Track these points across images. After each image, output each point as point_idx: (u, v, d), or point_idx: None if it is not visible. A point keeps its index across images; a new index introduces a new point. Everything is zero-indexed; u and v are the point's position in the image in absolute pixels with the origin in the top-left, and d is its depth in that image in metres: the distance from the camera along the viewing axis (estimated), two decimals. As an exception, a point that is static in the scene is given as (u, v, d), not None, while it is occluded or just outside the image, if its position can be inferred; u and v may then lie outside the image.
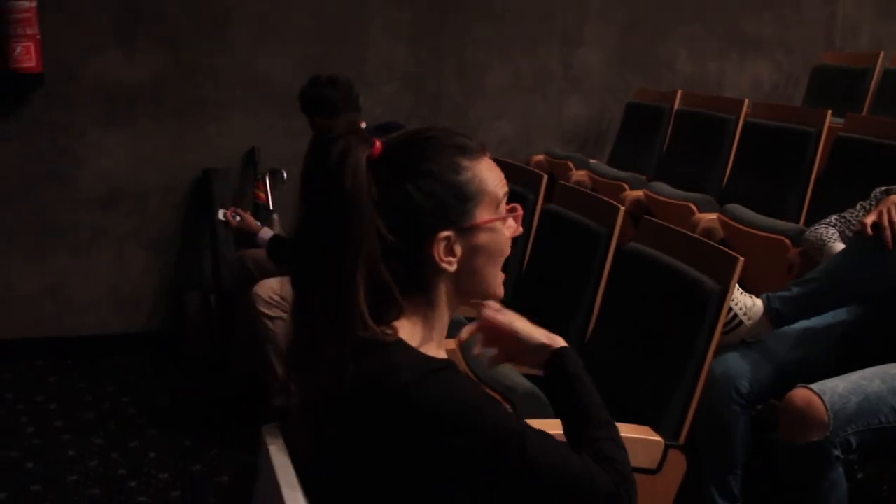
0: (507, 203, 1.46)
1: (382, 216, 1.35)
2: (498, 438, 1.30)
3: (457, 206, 1.39)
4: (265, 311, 3.50)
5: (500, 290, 1.47)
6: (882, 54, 4.98)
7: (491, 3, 5.08)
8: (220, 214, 4.01)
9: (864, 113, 4.66)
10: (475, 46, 5.08)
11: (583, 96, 5.32)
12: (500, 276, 1.47)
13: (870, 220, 2.53)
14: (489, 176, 1.42)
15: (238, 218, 3.94)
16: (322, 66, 4.16)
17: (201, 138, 4.72)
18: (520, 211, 1.47)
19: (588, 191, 3.59)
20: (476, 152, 1.42)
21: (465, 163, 1.40)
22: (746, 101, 4.26)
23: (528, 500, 1.34)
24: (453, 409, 1.29)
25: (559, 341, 1.58)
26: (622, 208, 2.81)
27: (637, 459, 2.15)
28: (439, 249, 1.38)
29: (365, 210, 1.32)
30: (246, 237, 3.97)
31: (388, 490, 1.31)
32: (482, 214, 1.41)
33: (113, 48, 4.55)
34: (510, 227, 1.45)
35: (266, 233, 3.86)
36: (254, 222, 3.94)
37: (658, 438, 2.18)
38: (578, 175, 4.38)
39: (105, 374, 4.45)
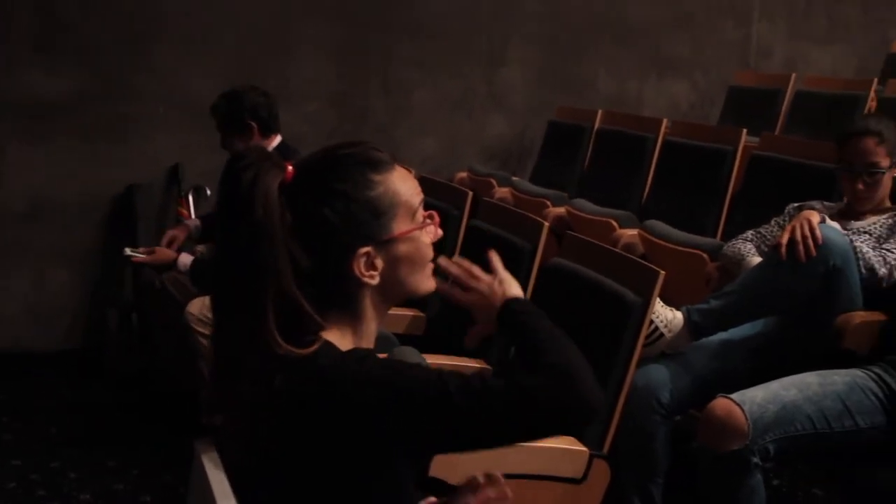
0: (424, 210, 1.48)
1: (298, 240, 1.37)
2: (422, 392, 1.32)
3: (373, 221, 1.41)
4: (199, 329, 3.44)
5: (427, 286, 1.49)
6: (794, 75, 5.15)
7: (416, 22, 5.12)
8: (127, 251, 3.79)
9: (777, 131, 4.81)
10: (400, 64, 5.12)
11: (505, 114, 5.39)
12: (427, 275, 1.49)
13: (784, 236, 2.62)
14: (402, 187, 1.44)
15: (143, 257, 3.80)
16: (246, 82, 4.15)
17: (124, 154, 4.67)
18: (436, 217, 1.50)
19: (512, 207, 3.64)
20: (386, 164, 1.44)
21: (377, 177, 1.42)
22: (665, 120, 4.36)
23: (472, 434, 1.36)
24: (378, 383, 1.32)
25: (509, 291, 1.57)
26: (546, 224, 2.86)
27: (563, 469, 2.21)
28: (360, 265, 1.40)
29: (276, 238, 1.34)
30: (163, 267, 3.86)
31: (331, 485, 1.33)
32: (399, 226, 1.43)
33: (34, 63, 4.48)
34: (429, 233, 1.48)
35: (186, 258, 3.73)
36: (169, 254, 3.77)
37: (583, 448, 2.23)
38: (501, 192, 4.43)
39: (23, 392, 4.36)
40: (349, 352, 1.39)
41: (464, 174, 4.95)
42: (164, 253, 3.78)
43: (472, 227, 3.29)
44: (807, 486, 3.35)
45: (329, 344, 1.39)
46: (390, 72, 5.11)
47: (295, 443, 1.33)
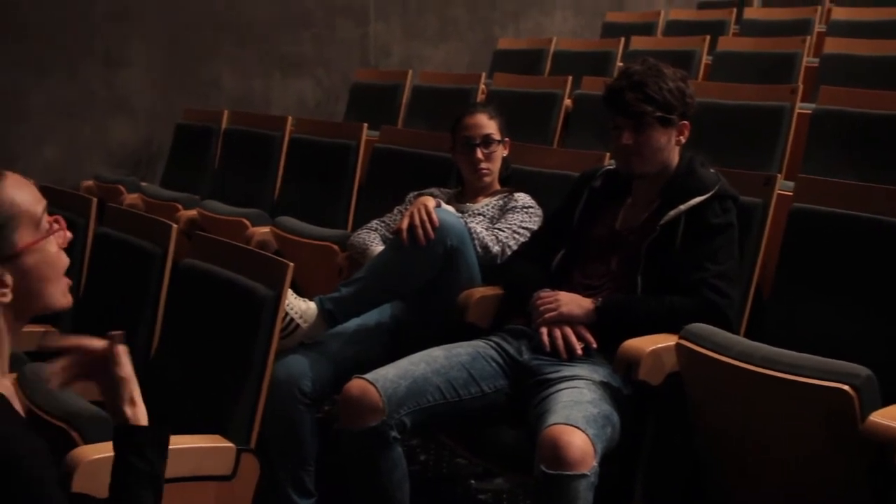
0: (49, 216, 1.43)
1: None
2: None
3: None
4: None
5: (65, 300, 1.44)
6: (410, 72, 5.41)
7: (20, 21, 4.85)
8: None
9: (399, 125, 5.05)
10: (9, 68, 4.84)
11: (130, 119, 5.26)
12: (63, 288, 1.43)
13: (404, 222, 2.78)
14: (20, 196, 1.38)
15: None
16: None
17: None
18: (63, 221, 1.44)
19: (142, 213, 3.58)
20: None
21: None
22: (290, 118, 4.46)
23: None
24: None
25: (137, 418, 1.50)
26: (175, 226, 2.83)
27: (210, 467, 2.21)
28: (-12, 285, 1.33)
29: None
30: None
31: None
32: (23, 238, 1.37)
33: None
34: (58, 239, 1.43)
35: None
36: None
37: (229, 444, 2.25)
38: (131, 198, 4.33)
39: None
40: None
41: (90, 182, 4.79)
42: None
43: (100, 234, 3.19)
44: (451, 457, 3.55)
45: None
46: (-3, 76, 4.82)
47: None
